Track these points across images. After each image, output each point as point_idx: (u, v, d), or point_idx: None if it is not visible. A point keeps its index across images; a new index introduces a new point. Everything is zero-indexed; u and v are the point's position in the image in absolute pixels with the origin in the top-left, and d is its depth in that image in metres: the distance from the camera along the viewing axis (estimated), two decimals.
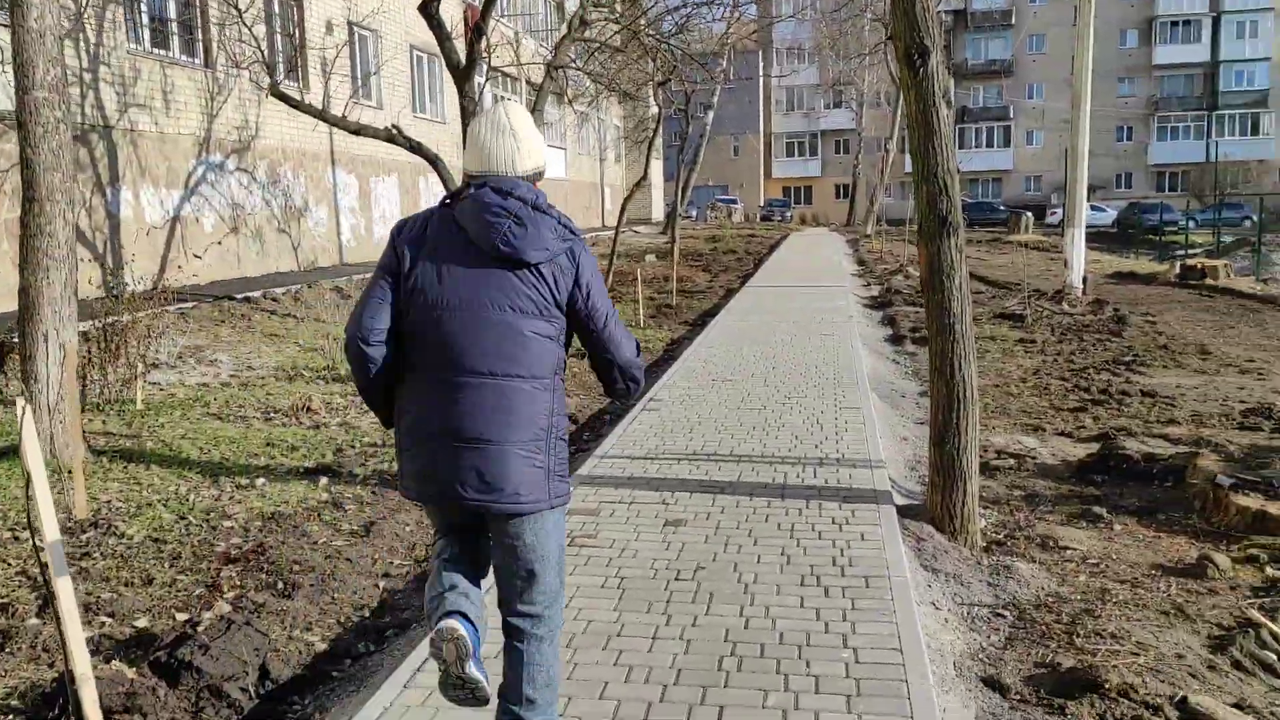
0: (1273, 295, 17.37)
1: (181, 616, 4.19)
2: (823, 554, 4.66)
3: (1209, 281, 19.49)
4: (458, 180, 12.50)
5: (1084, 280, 17.57)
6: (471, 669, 2.60)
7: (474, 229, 2.69)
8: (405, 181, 23.19)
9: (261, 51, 11.99)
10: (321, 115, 11.65)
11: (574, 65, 15.49)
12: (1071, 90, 17.44)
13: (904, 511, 5.47)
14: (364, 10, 20.08)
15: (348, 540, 5.25)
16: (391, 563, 5.03)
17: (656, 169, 54.24)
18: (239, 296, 13.50)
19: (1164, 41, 63.99)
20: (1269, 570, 4.88)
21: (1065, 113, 66.36)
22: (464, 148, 2.98)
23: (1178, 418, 8.55)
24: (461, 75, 12.13)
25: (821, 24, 56.75)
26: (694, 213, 56.19)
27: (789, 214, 60.45)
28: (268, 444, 7.02)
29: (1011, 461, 6.73)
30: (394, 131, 12.03)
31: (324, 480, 6.16)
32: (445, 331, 2.65)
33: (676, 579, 4.38)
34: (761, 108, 68.10)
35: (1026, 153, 67.05)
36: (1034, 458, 6.95)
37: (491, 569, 2.86)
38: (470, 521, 2.82)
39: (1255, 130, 62.63)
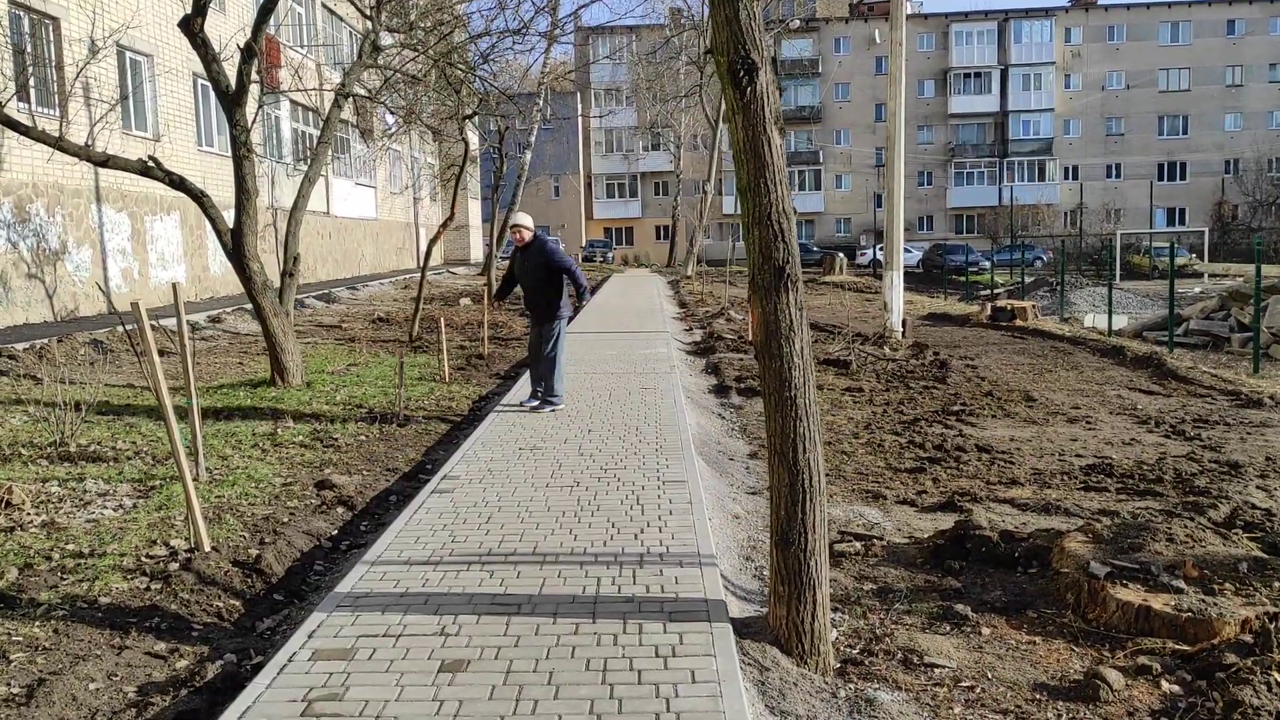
0: (1081, 336, 17.68)
1: None
2: (644, 709, 3.57)
3: (1019, 323, 19.81)
4: (228, 218, 10.99)
5: (903, 323, 17.42)
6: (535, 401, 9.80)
7: (534, 251, 9.66)
8: (189, 219, 21.07)
9: None
10: (59, 144, 9.92)
11: (366, 95, 14.14)
12: (883, 135, 17.35)
13: (742, 629, 4.46)
14: (135, 33, 18.09)
15: None
16: None
17: (475, 209, 52.90)
18: None
19: (958, 92, 67.73)
20: (1165, 685, 4.12)
21: (871, 157, 69.23)
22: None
23: (1019, 477, 8.00)
24: (231, 101, 10.67)
25: (638, 66, 57.08)
26: None
27: (611, 255, 60.15)
28: None
29: (858, 546, 5.86)
30: (149, 164, 10.42)
31: None
32: (526, 283, 9.66)
33: None
34: (581, 148, 67.94)
35: (836, 196, 69.41)
36: (880, 537, 6.12)
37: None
38: (537, 327, 9.64)
39: (1042, 176, 66.91)
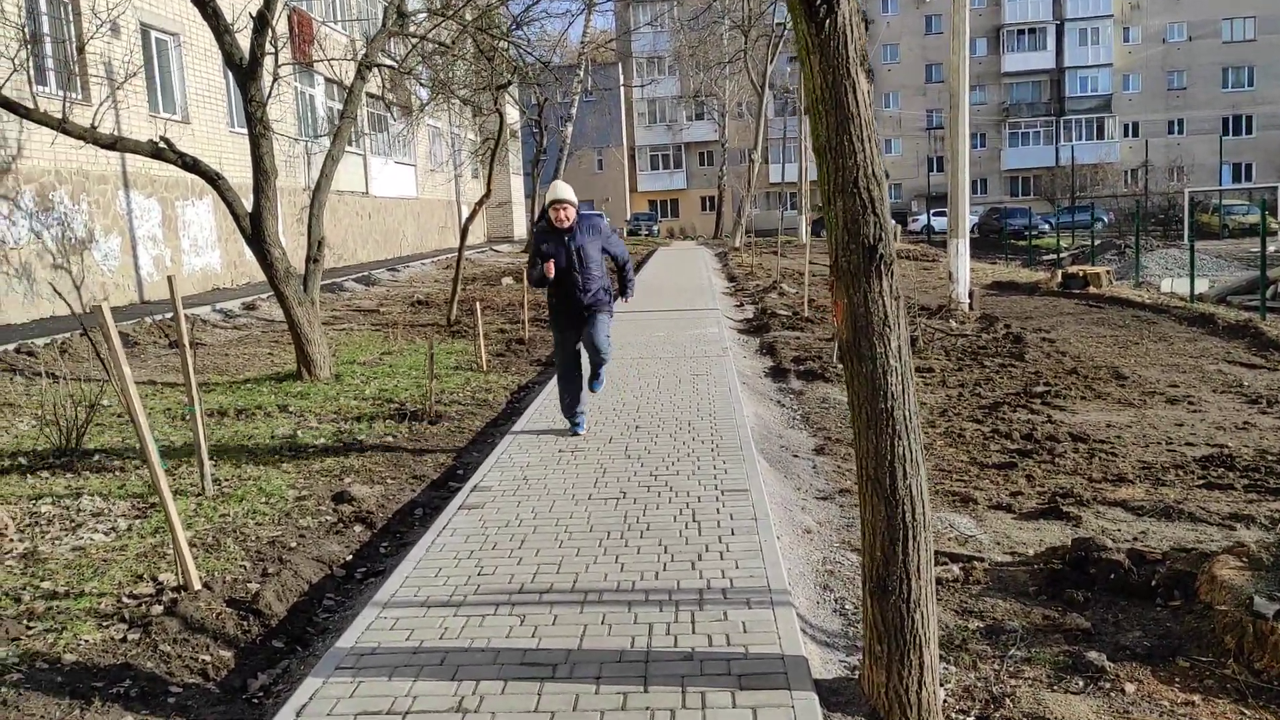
0: (1163, 304, 16.46)
1: None
2: None
3: (1092, 290, 18.60)
4: (246, 200, 10.33)
5: (970, 294, 16.35)
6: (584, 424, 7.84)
7: (588, 232, 7.40)
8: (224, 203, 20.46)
9: None
10: (62, 126, 9.24)
11: (392, 66, 13.34)
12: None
13: (831, 697, 3.61)
14: (160, 11, 17.46)
15: None
16: None
17: (517, 185, 52.17)
18: None
19: (1012, 49, 65.47)
20: None
21: (921, 120, 67.21)
22: None
23: (1125, 472, 7.04)
24: (245, 75, 9.94)
25: (680, 33, 55.79)
26: None
27: (656, 228, 59.15)
28: None
29: (955, 570, 4.96)
30: (161, 145, 9.74)
31: None
32: (575, 271, 7.26)
33: None
34: (624, 120, 66.81)
35: (886, 160, 67.00)
36: (980, 557, 5.22)
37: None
38: (576, 329, 7.53)
39: (1100, 134, 64.56)
